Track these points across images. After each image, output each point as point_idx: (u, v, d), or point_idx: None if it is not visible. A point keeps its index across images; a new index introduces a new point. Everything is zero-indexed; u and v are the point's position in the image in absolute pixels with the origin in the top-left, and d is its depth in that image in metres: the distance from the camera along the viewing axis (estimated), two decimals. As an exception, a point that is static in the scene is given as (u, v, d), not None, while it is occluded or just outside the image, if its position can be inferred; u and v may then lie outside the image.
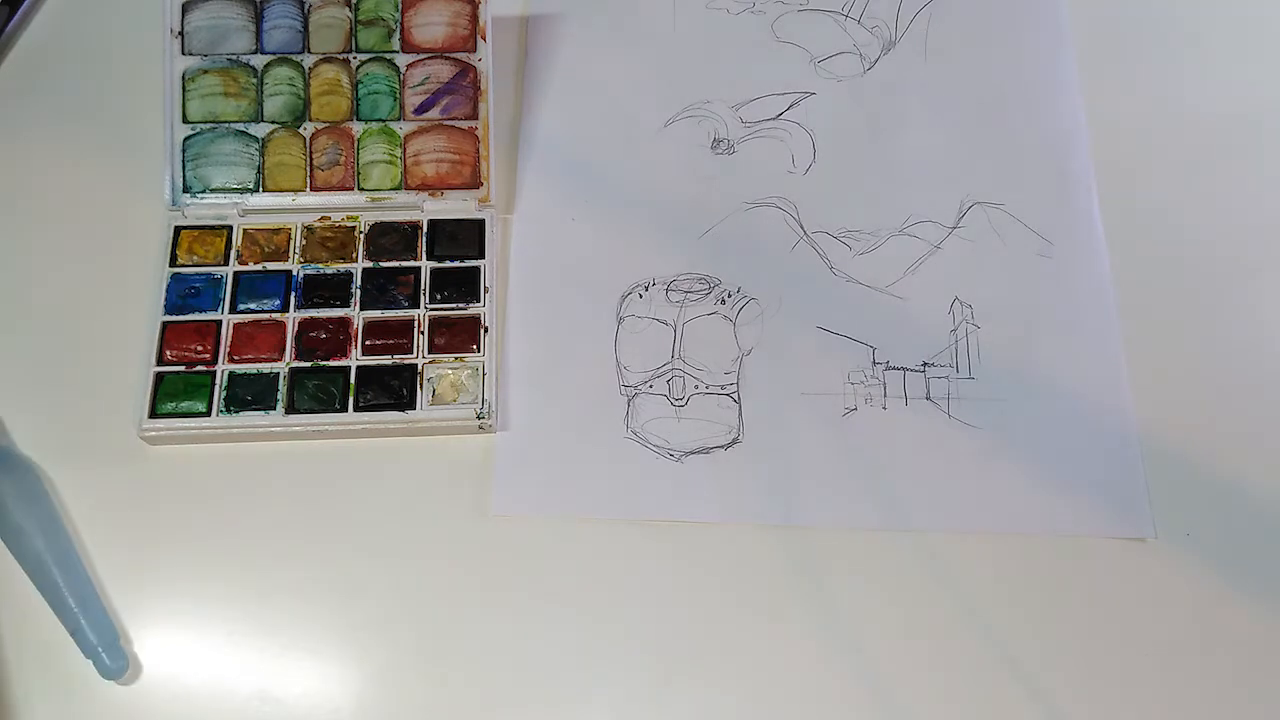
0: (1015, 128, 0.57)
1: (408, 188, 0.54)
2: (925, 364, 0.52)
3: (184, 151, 0.53)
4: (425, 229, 0.53)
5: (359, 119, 0.54)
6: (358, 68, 0.54)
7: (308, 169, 0.54)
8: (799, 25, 0.60)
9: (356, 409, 0.49)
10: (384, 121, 0.54)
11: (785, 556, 0.48)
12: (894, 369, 0.52)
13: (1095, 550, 0.48)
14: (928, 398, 0.51)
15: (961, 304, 0.53)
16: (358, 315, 0.51)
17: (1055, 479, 0.49)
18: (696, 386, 0.51)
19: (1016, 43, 0.60)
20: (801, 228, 0.55)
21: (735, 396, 0.51)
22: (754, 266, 0.54)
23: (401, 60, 0.54)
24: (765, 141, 0.57)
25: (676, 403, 0.51)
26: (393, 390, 0.50)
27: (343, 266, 0.53)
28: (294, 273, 0.52)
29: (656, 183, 0.56)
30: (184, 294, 0.52)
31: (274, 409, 0.49)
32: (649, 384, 0.51)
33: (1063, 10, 0.60)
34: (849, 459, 0.50)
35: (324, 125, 0.54)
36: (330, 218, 0.54)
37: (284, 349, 0.51)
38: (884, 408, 0.51)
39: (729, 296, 0.53)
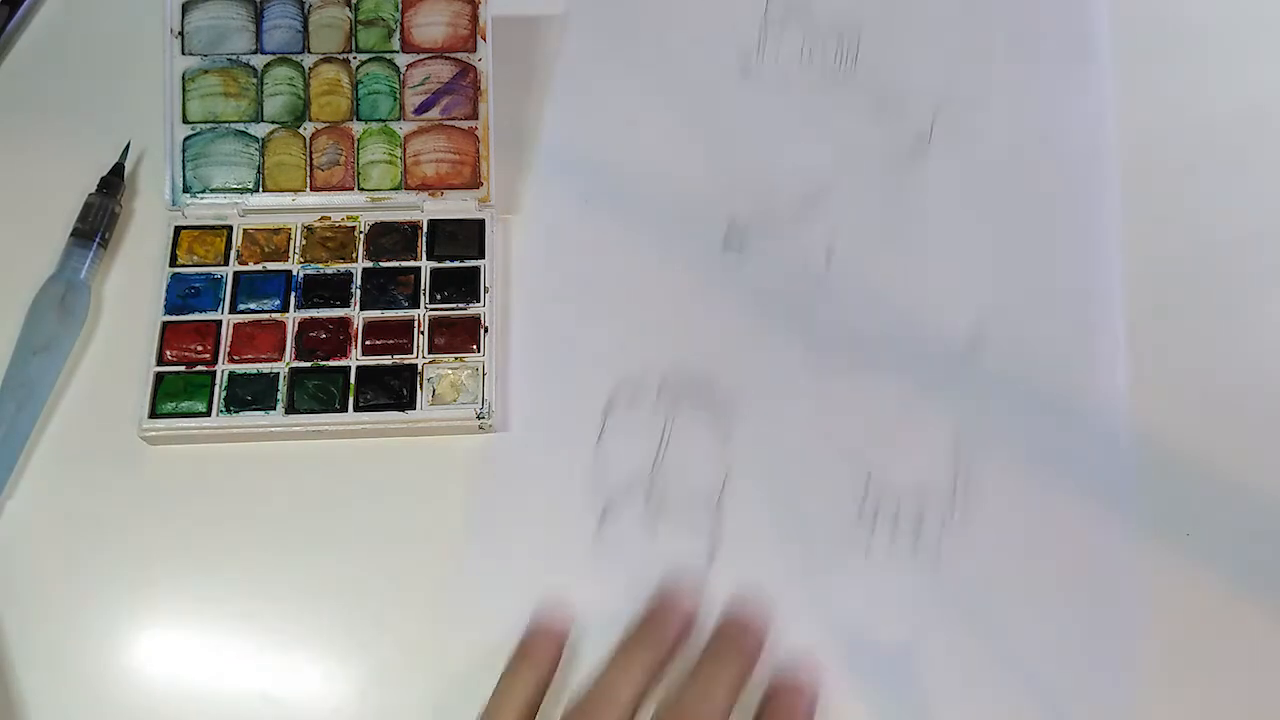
0: (1043, 254, 0.54)
1: (408, 188, 0.54)
2: (921, 502, 0.48)
3: (184, 151, 0.53)
4: (425, 229, 0.53)
5: (359, 119, 0.54)
6: (358, 68, 0.54)
7: (308, 169, 0.54)
8: (827, 108, 0.57)
9: (356, 409, 0.49)
10: (384, 121, 0.54)
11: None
12: (888, 502, 0.48)
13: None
14: (919, 538, 0.47)
15: (963, 441, 0.49)
16: (358, 315, 0.51)
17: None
18: (675, 504, 0.48)
19: (1056, 155, 0.56)
20: (808, 337, 0.51)
21: (715, 519, 0.48)
22: (753, 367, 0.51)
23: (401, 60, 0.54)
24: (780, 240, 0.54)
25: (652, 521, 0.48)
26: (393, 390, 0.50)
27: (343, 266, 0.53)
28: (294, 273, 0.52)
29: (662, 272, 0.53)
30: (184, 294, 0.52)
31: (274, 409, 0.49)
32: (625, 495, 0.48)
33: (1110, 129, 0.56)
34: (834, 609, 0.46)
35: (324, 125, 0.54)
36: (330, 218, 0.54)
37: (284, 349, 0.51)
38: (868, 548, 0.47)
39: (721, 408, 0.50)
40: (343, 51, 0.54)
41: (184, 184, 0.53)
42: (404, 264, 0.53)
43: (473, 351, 0.51)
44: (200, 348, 0.50)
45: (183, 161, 0.53)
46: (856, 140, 0.56)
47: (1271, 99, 0.59)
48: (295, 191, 0.53)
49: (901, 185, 0.55)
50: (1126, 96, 0.58)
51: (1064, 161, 0.56)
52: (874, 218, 0.54)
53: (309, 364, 0.50)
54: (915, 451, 0.49)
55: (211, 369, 0.50)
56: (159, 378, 0.50)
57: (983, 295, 0.53)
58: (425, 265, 0.53)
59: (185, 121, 0.53)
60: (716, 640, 0.40)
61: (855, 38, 0.59)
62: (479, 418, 0.49)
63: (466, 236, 0.53)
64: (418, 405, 0.50)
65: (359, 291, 0.52)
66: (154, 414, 0.49)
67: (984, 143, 0.56)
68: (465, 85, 0.54)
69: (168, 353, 0.50)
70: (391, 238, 0.53)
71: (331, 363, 0.50)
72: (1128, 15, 0.60)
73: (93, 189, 0.54)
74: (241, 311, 0.51)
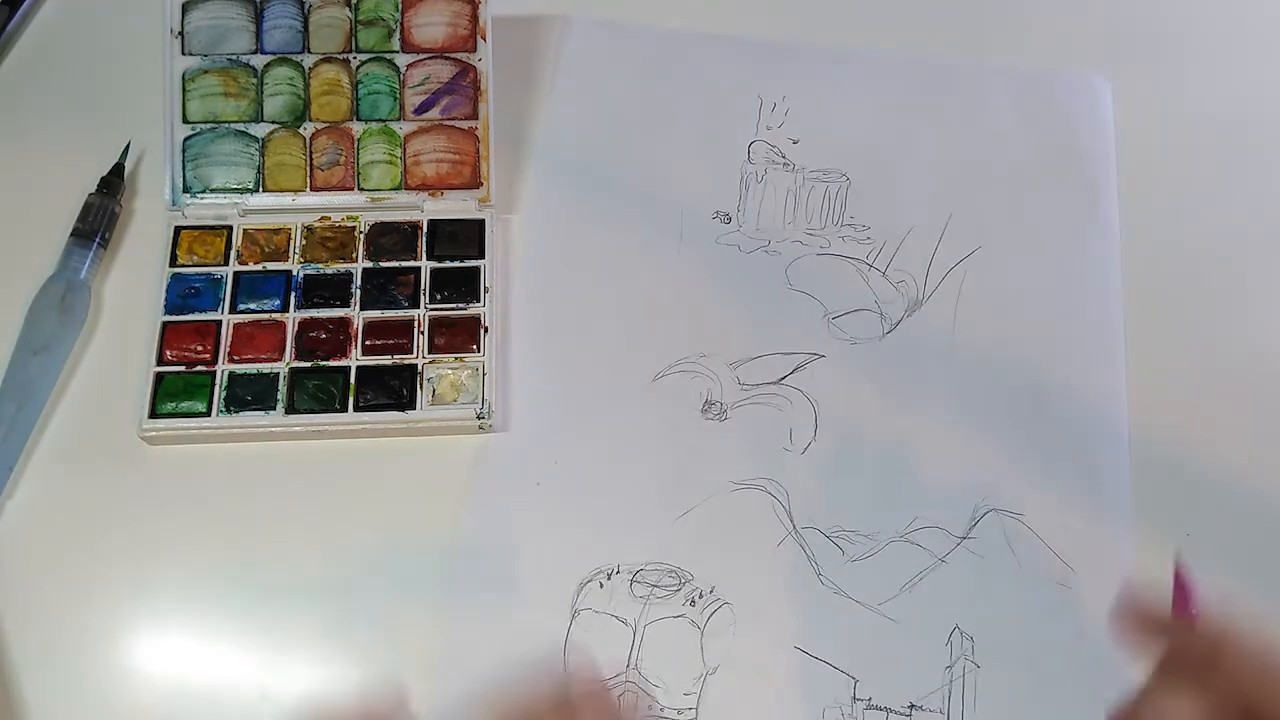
0: (1048, 425, 0.50)
1: (408, 188, 0.54)
2: (912, 706, 0.45)
3: (184, 151, 0.53)
4: (425, 229, 0.53)
5: (359, 119, 0.54)
6: (358, 68, 0.54)
7: (308, 169, 0.54)
8: (816, 271, 0.53)
9: (356, 409, 0.49)
10: (384, 121, 0.54)
11: None
12: (875, 709, 0.45)
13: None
14: None
15: (962, 635, 0.46)
16: (358, 315, 0.51)
17: None
18: (650, 707, 0.44)
19: (1061, 320, 0.53)
20: (791, 520, 0.48)
21: None
22: (732, 563, 0.47)
23: (401, 60, 0.54)
24: (762, 410, 0.50)
25: None
26: (393, 390, 0.50)
27: (343, 266, 0.53)
28: (294, 273, 0.52)
29: (637, 446, 0.50)
30: (184, 294, 0.52)
31: (274, 409, 0.49)
32: None
33: (1114, 281, 0.53)
34: None
35: (324, 125, 0.54)
36: (330, 218, 0.54)
37: (284, 349, 0.51)
38: None
39: (700, 598, 0.46)
40: (343, 51, 0.54)
41: (184, 184, 0.53)
42: (404, 264, 0.53)
43: (473, 351, 0.51)
44: (200, 348, 0.50)
45: (183, 161, 0.53)
46: (847, 297, 0.53)
47: (1270, 101, 0.59)
48: (295, 191, 0.53)
49: (894, 345, 0.52)
50: (1126, 100, 0.58)
51: (1073, 311, 0.53)
52: (863, 383, 0.51)
53: (309, 364, 0.50)
54: (905, 663, 0.46)
55: (211, 369, 0.50)
56: (159, 378, 0.50)
57: (985, 474, 0.49)
58: (425, 265, 0.53)
59: (185, 121, 0.53)
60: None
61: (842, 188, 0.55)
62: (479, 418, 0.49)
63: (466, 236, 0.53)
64: (418, 405, 0.50)
65: (359, 291, 0.52)
66: (154, 414, 0.49)
67: (983, 292, 0.53)
68: (465, 85, 0.54)
69: (168, 353, 0.50)
70: (391, 238, 0.53)
71: (331, 363, 0.50)
72: (1127, 17, 0.61)
73: (93, 189, 0.54)
74: (241, 311, 0.51)
